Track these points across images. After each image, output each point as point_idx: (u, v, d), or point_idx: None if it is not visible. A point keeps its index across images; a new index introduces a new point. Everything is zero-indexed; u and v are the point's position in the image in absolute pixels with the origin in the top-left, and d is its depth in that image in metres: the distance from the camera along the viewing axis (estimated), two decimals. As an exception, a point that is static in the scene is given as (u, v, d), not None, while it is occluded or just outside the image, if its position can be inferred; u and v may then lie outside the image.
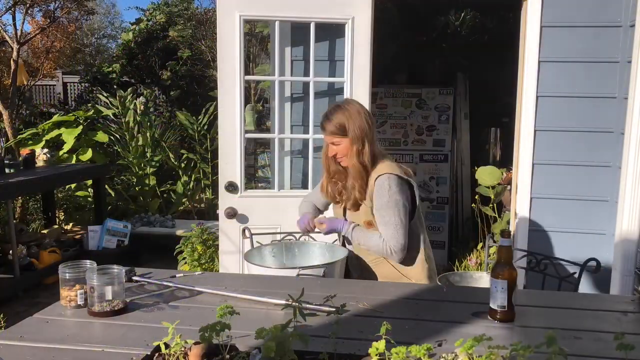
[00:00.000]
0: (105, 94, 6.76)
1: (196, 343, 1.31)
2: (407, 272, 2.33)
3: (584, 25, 2.93)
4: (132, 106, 6.49)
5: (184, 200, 6.74)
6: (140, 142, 6.46)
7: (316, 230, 2.40)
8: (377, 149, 2.31)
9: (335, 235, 2.67)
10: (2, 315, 3.66)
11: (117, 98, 6.48)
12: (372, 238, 2.27)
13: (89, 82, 9.14)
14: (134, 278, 2.00)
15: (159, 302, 1.82)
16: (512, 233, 3.13)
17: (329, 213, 2.61)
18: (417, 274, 2.33)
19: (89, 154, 6.39)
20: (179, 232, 5.42)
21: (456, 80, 5.72)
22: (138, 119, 6.46)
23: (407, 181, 2.27)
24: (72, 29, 9.92)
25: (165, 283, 1.97)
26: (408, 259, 2.31)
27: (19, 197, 5.95)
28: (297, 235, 2.75)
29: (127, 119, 6.46)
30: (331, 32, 3.19)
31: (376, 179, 2.23)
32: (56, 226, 5.76)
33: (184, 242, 4.28)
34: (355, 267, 2.43)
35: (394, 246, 2.22)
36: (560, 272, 2.53)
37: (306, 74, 3.20)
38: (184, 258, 4.23)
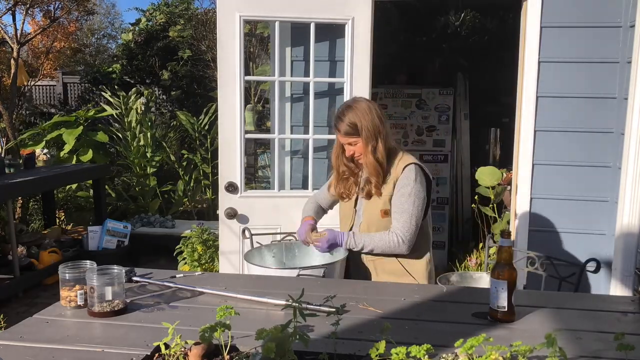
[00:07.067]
0: (108, 93, 6.77)
1: (196, 343, 1.31)
2: (412, 269, 2.32)
3: (584, 26, 2.93)
4: (135, 106, 6.49)
5: (184, 200, 6.75)
6: (141, 142, 6.47)
7: (314, 246, 2.35)
8: (391, 142, 2.33)
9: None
10: (2, 316, 3.66)
11: (121, 98, 6.49)
12: (377, 235, 2.26)
13: (90, 82, 9.14)
14: (134, 278, 2.00)
15: (159, 303, 1.82)
16: (512, 233, 3.13)
17: (334, 212, 2.60)
18: (420, 271, 2.33)
19: (89, 154, 6.40)
20: (182, 233, 5.41)
21: (456, 81, 5.72)
22: (139, 118, 6.47)
23: (427, 177, 2.32)
24: (72, 29, 9.92)
25: (165, 283, 1.97)
26: (415, 254, 2.31)
27: (19, 197, 5.95)
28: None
29: (129, 119, 6.46)
30: (331, 32, 3.19)
31: (405, 167, 2.25)
32: (56, 226, 5.77)
33: (184, 242, 4.28)
34: (358, 268, 2.41)
35: (404, 235, 2.21)
36: (560, 272, 2.52)
37: (306, 74, 3.20)
38: (184, 258, 4.23)
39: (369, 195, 2.31)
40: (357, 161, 2.35)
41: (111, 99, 6.64)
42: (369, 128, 2.23)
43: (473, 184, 5.11)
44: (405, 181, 2.25)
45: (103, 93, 7.08)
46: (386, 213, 2.29)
